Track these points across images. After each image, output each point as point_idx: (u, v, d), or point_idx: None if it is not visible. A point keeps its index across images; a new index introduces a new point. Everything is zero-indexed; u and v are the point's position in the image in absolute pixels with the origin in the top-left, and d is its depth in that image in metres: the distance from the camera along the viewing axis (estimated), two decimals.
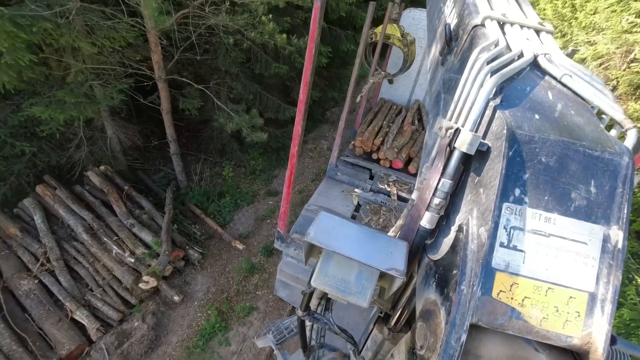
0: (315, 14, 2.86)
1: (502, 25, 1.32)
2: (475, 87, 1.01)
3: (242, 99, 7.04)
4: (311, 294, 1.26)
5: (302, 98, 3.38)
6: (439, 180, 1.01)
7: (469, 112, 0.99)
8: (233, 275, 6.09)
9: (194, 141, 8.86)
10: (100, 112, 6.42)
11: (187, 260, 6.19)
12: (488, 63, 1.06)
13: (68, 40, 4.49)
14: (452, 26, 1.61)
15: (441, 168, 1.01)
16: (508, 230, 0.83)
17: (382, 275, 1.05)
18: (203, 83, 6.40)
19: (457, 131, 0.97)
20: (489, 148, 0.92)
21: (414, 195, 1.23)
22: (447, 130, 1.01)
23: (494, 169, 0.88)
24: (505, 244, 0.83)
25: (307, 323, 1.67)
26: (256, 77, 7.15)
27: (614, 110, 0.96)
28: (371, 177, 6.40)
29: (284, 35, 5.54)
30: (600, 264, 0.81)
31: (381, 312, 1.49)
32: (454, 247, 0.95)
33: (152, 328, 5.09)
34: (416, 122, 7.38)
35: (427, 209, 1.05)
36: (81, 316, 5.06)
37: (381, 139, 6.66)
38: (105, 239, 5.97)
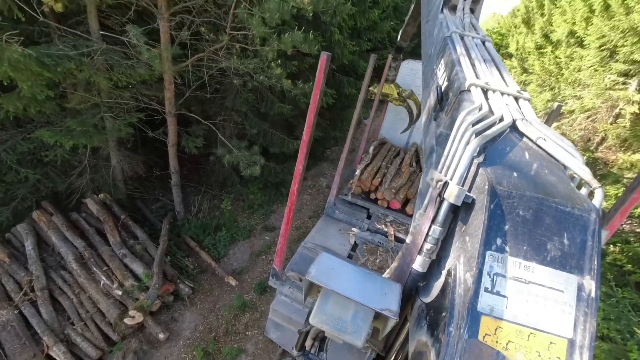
0: (321, 65, 3.12)
1: (485, 91, 1.48)
2: (462, 146, 1.13)
3: (247, 135, 7.31)
4: (307, 333, 1.28)
5: (305, 138, 3.54)
6: (430, 227, 1.10)
7: (456, 168, 1.10)
8: (223, 313, 5.85)
9: (196, 173, 8.99)
10: (108, 142, 6.61)
11: (177, 295, 5.98)
12: (473, 125, 1.18)
13: (86, 76, 4.80)
14: (442, 87, 1.79)
15: (432, 216, 1.10)
16: (491, 276, 0.89)
17: (377, 316, 1.09)
18: (210, 119, 6.69)
19: (445, 184, 1.07)
20: (473, 200, 1.01)
21: (408, 239, 1.30)
22: (437, 182, 1.12)
23: (478, 219, 0.96)
24: (489, 289, 0.88)
25: None
26: (261, 115, 7.49)
27: (582, 171, 1.06)
28: (369, 217, 6.43)
29: (289, 81, 5.94)
30: (577, 311, 0.85)
31: (375, 357, 1.47)
32: (443, 290, 1.00)
33: None
34: (414, 164, 7.59)
35: (419, 253, 1.12)
36: (57, 352, 4.76)
37: (379, 179, 6.80)
38: (95, 269, 5.81)
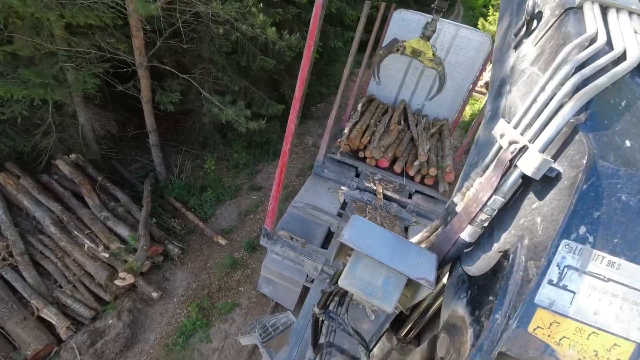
0: (316, 12, 2.80)
1: (604, 9, 1.04)
2: (557, 99, 0.84)
3: (228, 91, 6.82)
4: (331, 293, 1.26)
5: (297, 96, 3.32)
6: (491, 196, 0.91)
7: (542, 128, 0.85)
8: (215, 271, 5.96)
9: (174, 132, 8.50)
10: (72, 97, 5.98)
11: (166, 256, 5.97)
12: (579, 68, 0.87)
13: (29, 11, 4.08)
14: (535, 0, 1.28)
15: (495, 184, 0.91)
16: (561, 268, 0.77)
17: (407, 284, 1.05)
18: (187, 72, 6.12)
19: (523, 147, 0.85)
20: (559, 174, 0.80)
21: (456, 199, 1.12)
22: (511, 143, 0.89)
23: (561, 201, 0.78)
24: (555, 282, 0.78)
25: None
26: (242, 69, 6.94)
27: None
28: (357, 175, 6.46)
29: (274, 29, 5.41)
30: None
31: (392, 321, 1.49)
32: (494, 271, 0.89)
33: (128, 326, 4.88)
34: (402, 122, 7.50)
35: (470, 223, 0.98)
36: (49, 314, 4.76)
37: (368, 137, 6.72)
38: (76, 232, 5.62)
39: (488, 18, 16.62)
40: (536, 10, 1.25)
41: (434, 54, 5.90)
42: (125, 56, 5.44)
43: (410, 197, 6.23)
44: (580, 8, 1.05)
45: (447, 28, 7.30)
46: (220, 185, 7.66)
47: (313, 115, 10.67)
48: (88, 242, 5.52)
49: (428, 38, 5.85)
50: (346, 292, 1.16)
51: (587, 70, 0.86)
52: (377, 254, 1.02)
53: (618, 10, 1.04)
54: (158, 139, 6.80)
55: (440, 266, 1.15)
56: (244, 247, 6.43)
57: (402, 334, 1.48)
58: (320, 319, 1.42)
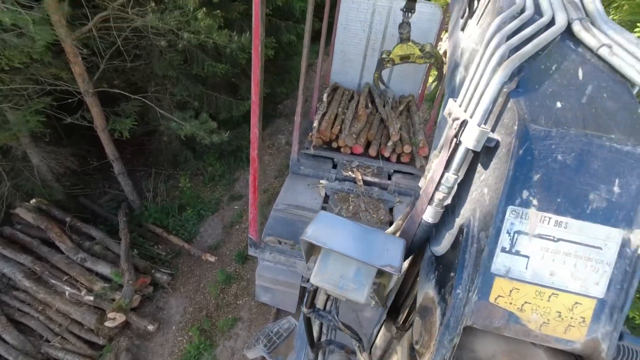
0: (256, 9, 2.68)
1: None
2: (489, 70, 0.86)
3: (188, 104, 6.55)
4: (315, 291, 1.25)
5: (254, 99, 3.20)
6: (443, 174, 0.93)
7: (479, 100, 0.87)
8: (209, 290, 5.80)
9: (141, 155, 8.12)
10: (19, 139, 5.56)
11: (156, 285, 5.75)
12: (508, 38, 0.89)
13: None
14: None
15: (444, 161, 0.93)
16: (512, 234, 0.78)
17: (382, 272, 1.04)
18: (140, 92, 5.81)
19: (464, 123, 0.87)
20: (497, 143, 0.82)
21: (421, 183, 1.14)
22: (454, 120, 0.92)
23: (501, 168, 0.80)
24: (507, 249, 0.78)
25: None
26: (199, 78, 6.67)
27: None
28: (334, 166, 6.42)
29: (225, 32, 5.18)
30: (615, 270, 0.76)
31: (390, 311, 1.48)
32: (454, 247, 0.90)
33: None
34: (369, 104, 7.49)
35: (429, 203, 0.99)
36: None
37: (339, 126, 6.67)
38: (53, 281, 5.30)
39: None
40: None
41: (421, 50, 5.95)
42: (67, 85, 5.07)
43: (389, 178, 6.26)
44: None
45: (397, 5, 7.29)
46: (199, 201, 7.43)
47: (281, 114, 10.50)
48: (68, 288, 5.21)
49: (408, 39, 5.94)
50: None
51: (514, 40, 0.89)
52: (341, 247, 1.01)
53: None
54: (123, 166, 6.47)
55: (411, 251, 1.14)
56: (235, 260, 6.29)
57: (400, 322, 1.48)
58: (312, 318, 1.41)
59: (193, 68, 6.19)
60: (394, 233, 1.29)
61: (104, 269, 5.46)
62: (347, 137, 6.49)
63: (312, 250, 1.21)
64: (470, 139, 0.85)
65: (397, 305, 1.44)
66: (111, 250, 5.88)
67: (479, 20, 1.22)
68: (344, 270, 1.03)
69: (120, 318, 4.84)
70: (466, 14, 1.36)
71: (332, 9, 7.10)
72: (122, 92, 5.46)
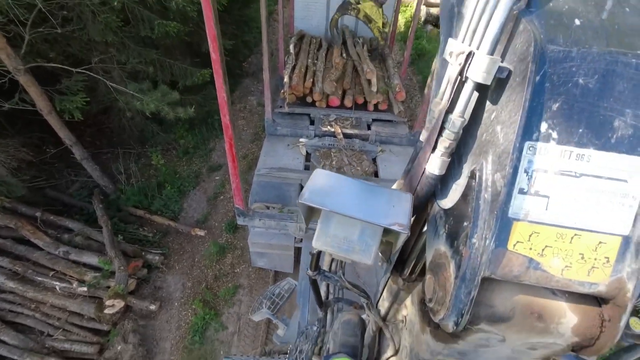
0: None
1: None
2: None
3: (141, 73, 5.88)
4: (318, 253, 1.19)
5: (215, 57, 2.84)
6: (447, 117, 0.84)
7: (485, 28, 0.77)
8: (205, 263, 5.83)
9: (102, 136, 7.50)
10: None
11: (150, 266, 5.71)
12: None
13: None
14: None
15: (447, 103, 0.83)
16: (530, 173, 0.71)
17: (388, 230, 0.97)
18: (83, 65, 5.11)
19: (469, 55, 0.77)
20: (509, 73, 0.73)
21: (422, 137, 1.04)
22: (457, 55, 0.81)
23: (515, 100, 0.71)
24: (526, 190, 0.72)
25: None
26: (148, 41, 5.91)
27: None
28: (312, 123, 6.18)
29: None
30: None
31: (395, 264, 1.46)
32: (465, 195, 0.83)
33: (139, 345, 4.80)
34: (344, 53, 7.02)
35: (432, 152, 0.90)
36: None
37: (311, 79, 6.29)
38: (39, 278, 5.12)
39: None
40: None
41: (383, 25, 5.56)
42: None
43: (369, 127, 6.14)
44: None
45: None
46: (177, 177, 7.12)
47: (247, 72, 9.77)
48: (58, 283, 5.08)
49: (381, 4, 5.45)
50: None
51: None
52: (343, 207, 0.92)
53: None
54: (85, 150, 5.96)
55: (417, 208, 1.07)
56: (225, 230, 6.26)
57: (407, 274, 1.48)
58: (317, 280, 1.38)
59: (139, 30, 5.43)
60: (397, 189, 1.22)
61: (91, 259, 5.30)
62: (326, 85, 6.15)
63: (311, 212, 1.12)
64: (478, 72, 0.74)
65: (403, 258, 1.43)
66: (94, 240, 5.67)
67: None
68: (347, 232, 0.96)
69: (119, 304, 4.84)
70: None
71: None
72: (61, 66, 4.78)
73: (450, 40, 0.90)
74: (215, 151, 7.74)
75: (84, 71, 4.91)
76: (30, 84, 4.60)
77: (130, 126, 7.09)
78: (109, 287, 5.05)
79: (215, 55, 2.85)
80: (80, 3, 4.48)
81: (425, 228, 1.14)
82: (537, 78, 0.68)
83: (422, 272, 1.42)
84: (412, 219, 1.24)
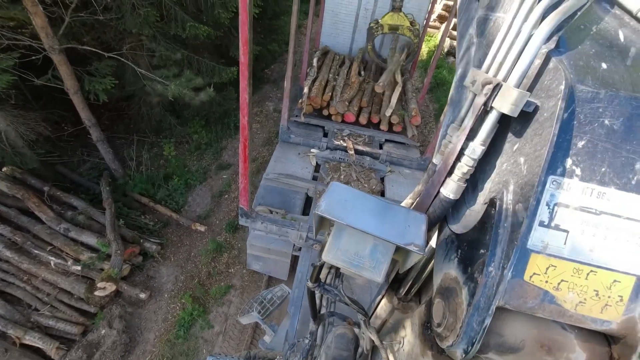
0: None
1: None
2: (526, 30, 0.80)
3: (169, 64, 6.07)
4: (321, 266, 1.21)
5: (243, 60, 2.95)
6: (468, 144, 0.87)
7: (514, 63, 0.80)
8: (200, 259, 5.82)
9: (120, 122, 7.68)
10: None
11: (146, 255, 5.71)
12: None
13: None
14: None
15: (468, 131, 0.86)
16: (551, 207, 0.73)
17: (397, 249, 0.98)
18: (114, 50, 5.31)
19: (497, 87, 0.80)
20: (536, 107, 0.76)
21: (435, 160, 1.07)
22: (483, 85, 0.83)
23: (542, 135, 0.74)
24: (546, 223, 0.73)
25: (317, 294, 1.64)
26: (178, 39, 6.13)
27: None
28: (325, 135, 6.27)
29: None
30: None
31: (391, 282, 1.46)
32: (482, 223, 0.84)
33: (123, 331, 4.75)
34: (362, 72, 7.19)
35: (450, 176, 0.92)
36: (32, 340, 4.50)
37: (330, 93, 6.42)
38: (36, 251, 5.16)
39: None
40: None
41: (411, 23, 5.73)
42: (30, 40, 4.55)
43: (381, 147, 6.20)
44: None
45: None
46: (186, 170, 7.21)
47: (269, 79, 10.01)
48: (53, 258, 5.10)
49: (399, 9, 5.66)
50: None
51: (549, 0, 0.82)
52: (359, 222, 0.93)
53: None
54: (101, 133, 6.10)
55: (428, 228, 1.09)
56: (225, 229, 6.27)
57: (402, 293, 1.47)
58: (316, 292, 1.38)
59: (171, 27, 5.65)
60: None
61: (90, 239, 5.33)
62: (338, 104, 6.28)
63: (321, 223, 1.14)
64: (505, 103, 0.77)
65: (399, 277, 1.43)
66: (96, 220, 5.72)
67: None
68: (359, 247, 0.97)
69: (110, 287, 4.82)
70: None
71: None
72: (94, 50, 4.97)
73: (473, 69, 0.94)
74: (227, 150, 7.85)
75: (115, 56, 5.10)
76: (63, 63, 4.79)
77: (149, 115, 7.26)
78: (102, 269, 5.05)
79: (244, 58, 2.95)
80: None
81: (435, 255, 1.15)
82: (566, 115, 0.71)
83: (418, 293, 1.41)
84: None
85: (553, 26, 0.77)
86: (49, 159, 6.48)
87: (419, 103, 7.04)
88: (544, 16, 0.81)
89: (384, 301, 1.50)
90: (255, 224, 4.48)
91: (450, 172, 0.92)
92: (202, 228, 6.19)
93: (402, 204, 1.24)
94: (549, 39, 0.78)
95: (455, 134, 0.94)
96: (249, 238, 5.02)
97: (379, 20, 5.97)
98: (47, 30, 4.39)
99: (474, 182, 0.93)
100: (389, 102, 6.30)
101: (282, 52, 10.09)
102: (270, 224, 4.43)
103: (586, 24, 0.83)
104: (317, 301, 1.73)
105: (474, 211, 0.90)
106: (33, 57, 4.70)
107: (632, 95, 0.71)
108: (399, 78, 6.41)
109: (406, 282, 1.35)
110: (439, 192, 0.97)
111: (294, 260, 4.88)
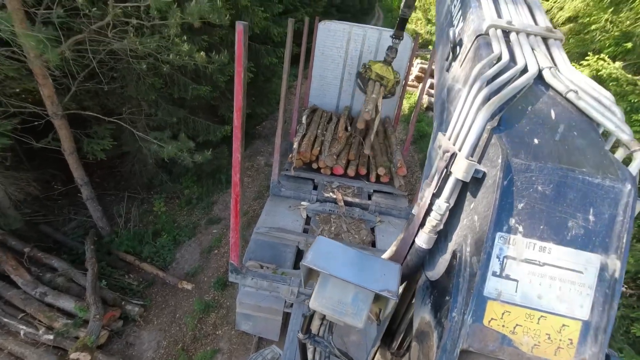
0: (239, 38, 2.73)
1: (507, 33, 1.24)
2: (474, 110, 0.97)
3: (165, 126, 6.40)
4: (311, 316, 1.26)
5: (236, 124, 3.19)
6: (434, 201, 1.00)
7: (466, 136, 0.96)
8: (186, 320, 5.46)
9: (111, 179, 7.75)
10: None
11: (126, 318, 5.34)
12: (489, 82, 1.02)
13: None
14: (457, 30, 1.49)
15: (435, 189, 1.00)
16: (501, 259, 0.83)
17: (378, 297, 1.07)
18: (113, 114, 5.62)
19: (453, 155, 0.95)
20: (484, 175, 0.90)
21: (414, 211, 1.19)
22: (444, 152, 1.00)
23: (488, 198, 0.86)
24: (498, 273, 0.83)
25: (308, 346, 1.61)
26: (176, 101, 6.59)
27: (620, 130, 0.91)
28: (315, 188, 6.44)
29: (202, 54, 5.21)
30: (596, 293, 0.81)
31: (384, 336, 1.47)
32: (448, 272, 0.94)
33: None
34: (348, 127, 7.70)
35: (421, 228, 1.04)
36: None
37: (318, 148, 6.77)
38: (6, 320, 4.78)
39: None
40: (458, 38, 1.47)
41: (397, 82, 6.28)
42: (34, 107, 4.82)
43: (369, 198, 6.36)
44: (487, 34, 1.26)
45: (370, 33, 7.70)
46: (175, 226, 7.12)
47: (260, 135, 10.51)
48: (24, 327, 4.71)
49: (389, 63, 6.27)
50: None
51: (494, 84, 1.02)
52: (341, 272, 1.04)
53: (517, 32, 1.25)
54: (92, 191, 6.12)
55: (406, 277, 1.17)
56: (214, 287, 6.01)
57: (395, 348, 1.47)
58: (307, 344, 1.40)
59: (174, 92, 6.12)
60: (388, 259, 1.32)
61: (67, 303, 5.01)
62: (327, 158, 6.58)
63: (310, 275, 1.22)
64: (459, 171, 0.92)
65: (392, 331, 1.44)
66: (76, 282, 5.43)
67: (461, 64, 1.36)
68: (342, 295, 1.06)
69: (84, 358, 4.41)
70: (450, 57, 1.50)
71: (310, 34, 7.39)
72: (95, 115, 5.26)
73: (440, 134, 1.12)
74: (218, 204, 7.88)
75: (115, 120, 5.38)
76: (63, 127, 5.01)
77: (140, 172, 7.39)
78: (77, 337, 4.66)
79: (237, 122, 3.20)
80: (128, 67, 5.15)
81: (414, 299, 1.21)
82: (505, 182, 0.84)
83: (409, 348, 1.42)
84: (402, 287, 1.33)
85: (494, 107, 0.95)
86: (34, 218, 6.35)
87: (404, 155, 7.44)
88: (489, 97, 0.98)
89: (377, 356, 1.49)
90: (245, 280, 4.35)
91: (422, 224, 1.04)
92: (189, 286, 5.93)
93: (388, 251, 1.33)
94: (492, 117, 0.94)
95: (427, 189, 1.08)
96: (238, 295, 4.81)
97: (369, 65, 6.35)
98: (52, 98, 4.69)
99: (445, 232, 1.04)
100: (372, 132, 6.61)
101: (274, 111, 10.77)
102: (260, 279, 4.32)
103: (524, 104, 1.01)
104: (310, 355, 1.70)
105: (444, 259, 0.99)
106: (35, 123, 4.92)
107: (557, 167, 0.85)
108: (380, 107, 6.77)
109: (398, 335, 1.38)
110: (414, 241, 1.08)
111: (286, 318, 4.65)
